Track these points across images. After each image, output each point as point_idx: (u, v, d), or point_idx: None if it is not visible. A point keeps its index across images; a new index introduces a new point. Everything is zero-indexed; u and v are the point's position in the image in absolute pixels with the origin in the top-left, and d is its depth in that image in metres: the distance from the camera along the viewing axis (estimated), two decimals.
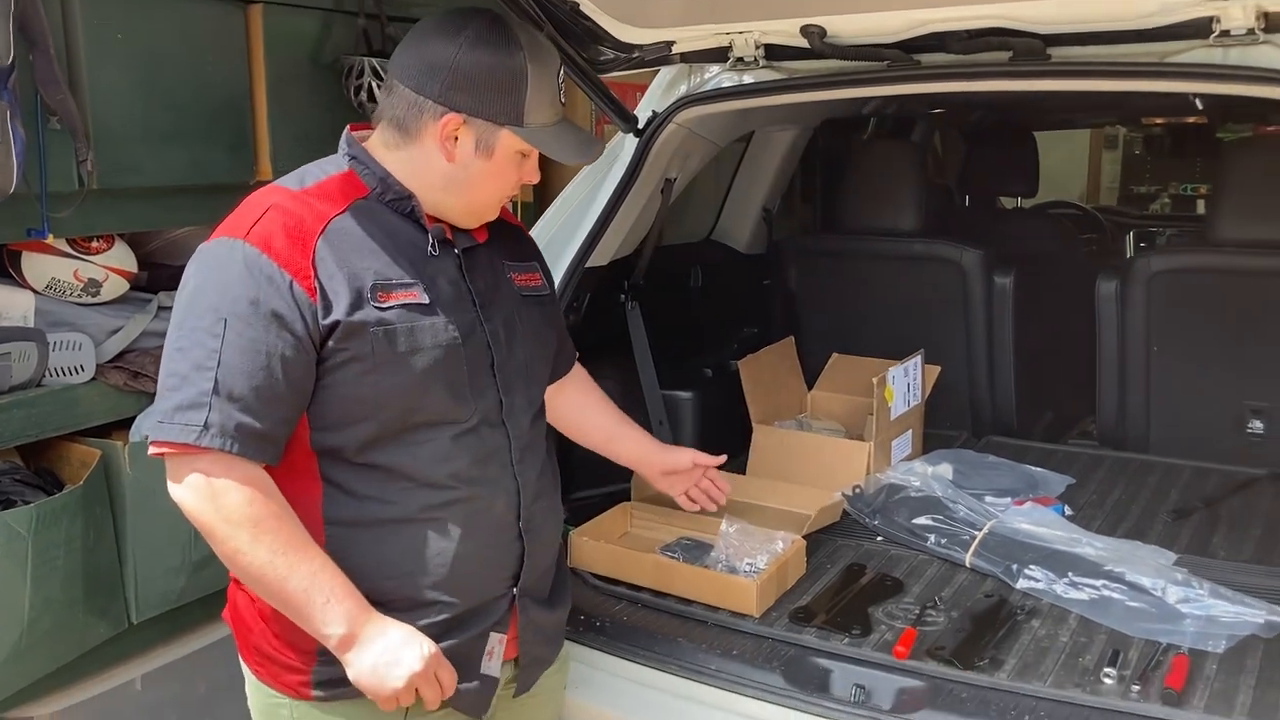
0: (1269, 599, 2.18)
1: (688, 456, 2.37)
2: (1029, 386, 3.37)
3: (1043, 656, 2.09)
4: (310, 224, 1.65)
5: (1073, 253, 4.13)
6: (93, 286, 2.93)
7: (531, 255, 2.03)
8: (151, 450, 1.62)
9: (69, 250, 2.85)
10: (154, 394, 3.02)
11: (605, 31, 2.39)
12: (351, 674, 1.64)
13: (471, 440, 1.75)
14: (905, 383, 2.88)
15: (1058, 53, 2.17)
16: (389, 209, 1.75)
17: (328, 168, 1.78)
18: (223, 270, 1.62)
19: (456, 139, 1.72)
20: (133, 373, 3.00)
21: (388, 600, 1.68)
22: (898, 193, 3.31)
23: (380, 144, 1.78)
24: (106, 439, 2.94)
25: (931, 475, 2.71)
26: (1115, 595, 2.24)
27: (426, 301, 1.71)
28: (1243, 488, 2.82)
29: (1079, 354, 3.49)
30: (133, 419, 3.03)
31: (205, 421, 1.56)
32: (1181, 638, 2.09)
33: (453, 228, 1.81)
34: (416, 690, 1.65)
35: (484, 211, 1.83)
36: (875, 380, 2.76)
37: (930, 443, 3.10)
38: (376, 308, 1.65)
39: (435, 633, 1.71)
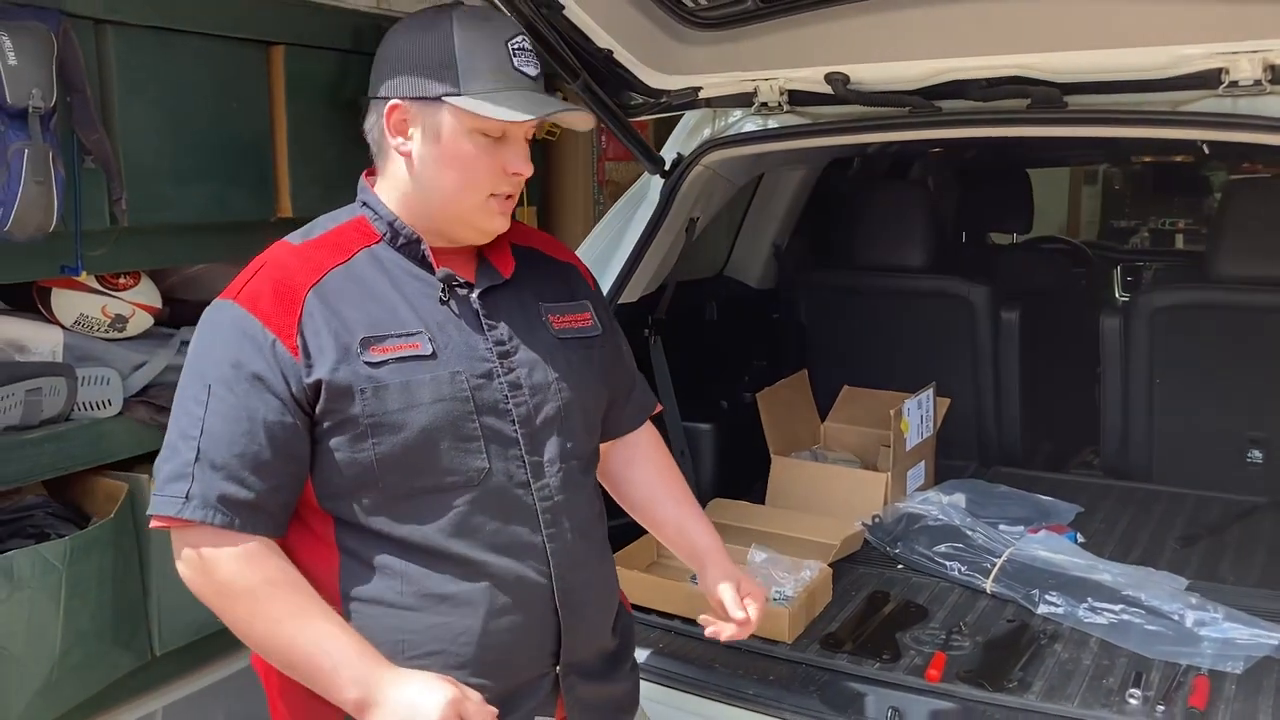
0: None
1: (728, 599, 1.86)
2: (1033, 418, 3.47)
3: (1068, 679, 2.18)
4: (302, 278, 1.58)
5: (1068, 287, 4.26)
6: (119, 322, 2.98)
7: (581, 294, 1.84)
8: (151, 525, 1.57)
9: (97, 287, 2.89)
10: None
11: (636, 78, 2.48)
12: None
13: (491, 504, 1.60)
14: (919, 414, 2.98)
15: (1074, 100, 2.28)
16: (401, 254, 1.65)
17: (341, 216, 1.70)
18: (211, 334, 1.57)
19: (406, 133, 1.61)
20: (158, 407, 3.04)
21: None
22: (906, 230, 3.42)
23: (379, 179, 1.69)
24: (129, 472, 2.99)
25: (948, 504, 2.79)
26: (1134, 619, 2.33)
27: (428, 352, 1.58)
28: (1245, 516, 2.94)
29: (1078, 386, 3.61)
30: (156, 453, 3.07)
31: (187, 493, 1.49)
32: (1200, 659, 2.19)
33: (478, 266, 1.69)
34: None
35: (477, 219, 1.65)
36: (892, 412, 2.86)
37: (940, 473, 3.19)
38: (366, 363, 1.54)
39: None
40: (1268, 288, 2.99)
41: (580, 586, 1.67)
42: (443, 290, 1.63)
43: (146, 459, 3.06)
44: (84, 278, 2.81)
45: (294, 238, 1.67)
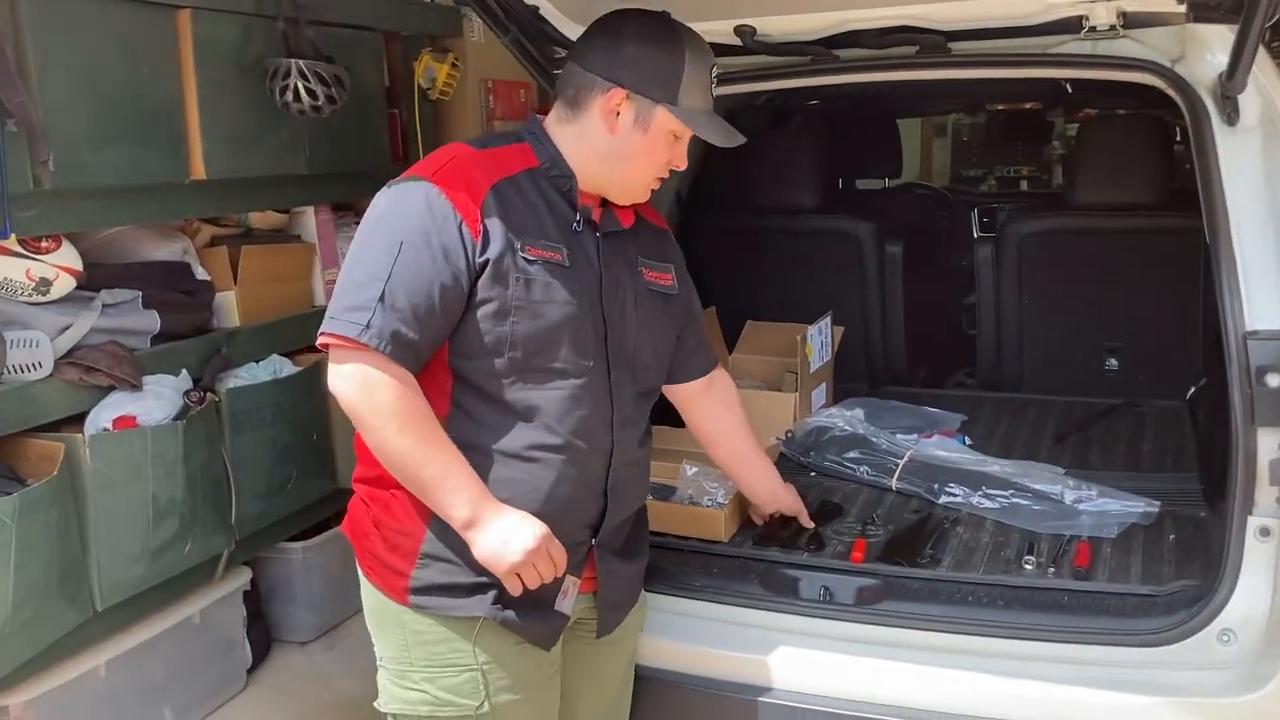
0: (1144, 495, 2.64)
1: (793, 506, 2.59)
2: (916, 342, 3.81)
3: (972, 553, 2.49)
4: (482, 178, 1.91)
5: (935, 227, 4.63)
6: (44, 285, 2.99)
7: (670, 257, 2.24)
8: (319, 340, 1.87)
9: (20, 250, 2.92)
10: (108, 388, 3.15)
11: (559, 32, 2.66)
12: (476, 552, 1.88)
13: (585, 399, 1.97)
14: (820, 340, 3.26)
15: (956, 46, 2.57)
16: (551, 184, 1.99)
17: (509, 139, 2.05)
18: (407, 201, 1.88)
19: (619, 113, 1.96)
20: (86, 368, 3.08)
21: None
22: (798, 174, 3.70)
23: (555, 119, 2.03)
24: (61, 433, 3.03)
25: (851, 417, 3.09)
26: (1022, 502, 2.67)
27: (566, 264, 1.95)
28: (1105, 415, 3.33)
29: (953, 314, 3.97)
30: (86, 414, 3.13)
31: (368, 322, 1.80)
32: (1081, 529, 2.53)
33: (602, 212, 2.05)
34: (535, 567, 1.89)
35: (635, 189, 2.06)
36: (798, 337, 3.13)
37: (837, 395, 3.48)
38: (523, 258, 1.90)
39: None
40: (1117, 213, 3.38)
41: (625, 482, 2.10)
42: (577, 222, 2.01)
43: (77, 420, 3.11)
44: (11, 241, 2.84)
45: (474, 144, 2.02)
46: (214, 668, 3.61)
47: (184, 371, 3.39)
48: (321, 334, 1.86)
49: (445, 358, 1.93)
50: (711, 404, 2.47)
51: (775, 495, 2.57)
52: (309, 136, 3.83)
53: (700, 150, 3.87)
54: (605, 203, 2.08)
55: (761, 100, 3.94)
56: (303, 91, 3.57)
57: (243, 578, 3.72)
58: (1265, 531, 2.08)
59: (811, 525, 2.57)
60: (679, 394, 2.44)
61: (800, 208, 3.70)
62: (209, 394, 3.42)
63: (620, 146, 1.99)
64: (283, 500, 3.75)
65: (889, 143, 4.72)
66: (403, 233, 1.85)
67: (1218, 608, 2.10)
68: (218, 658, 3.62)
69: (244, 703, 3.67)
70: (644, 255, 2.15)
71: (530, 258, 1.91)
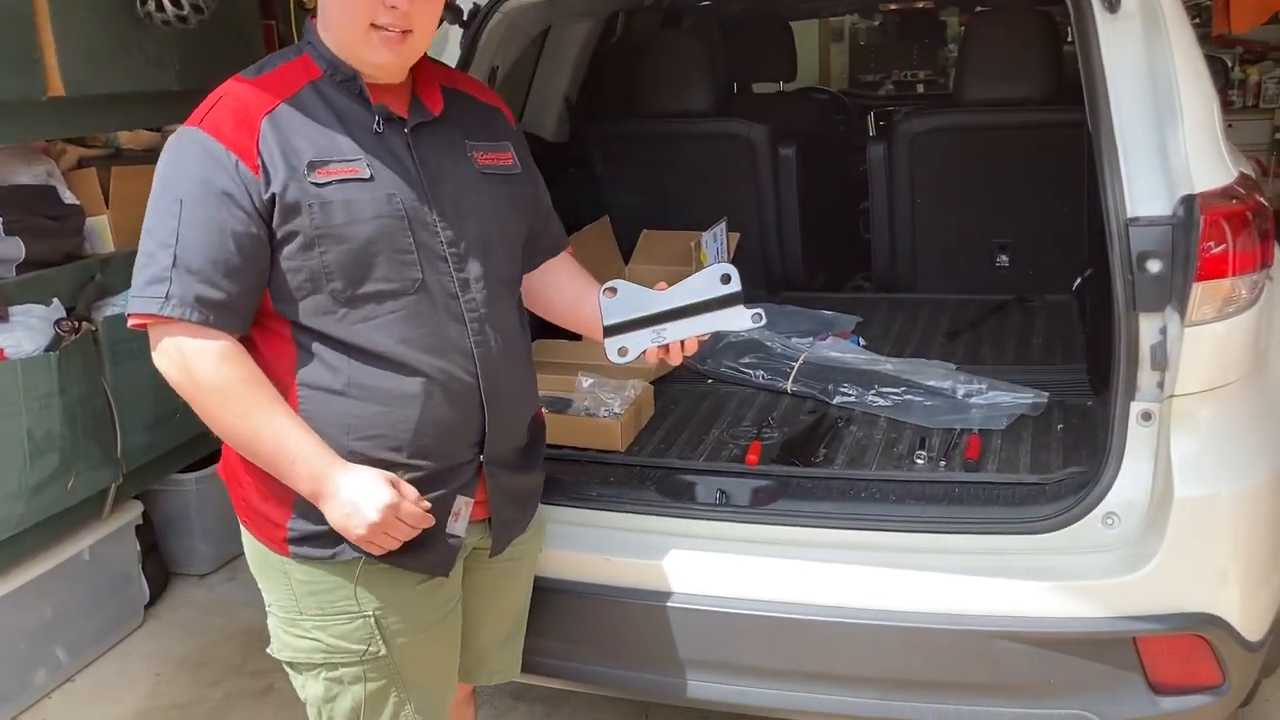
0: (1034, 387, 2.68)
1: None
2: (811, 247, 3.79)
3: (865, 451, 2.51)
4: (256, 107, 1.76)
5: (831, 132, 4.59)
6: None
7: (503, 135, 2.04)
8: (130, 323, 1.76)
9: None
10: None
11: None
12: (330, 523, 1.78)
13: (426, 313, 1.82)
14: (715, 246, 3.21)
15: None
16: (340, 90, 1.83)
17: (289, 54, 1.88)
18: (179, 155, 1.76)
19: None
20: None
21: (358, 462, 1.78)
22: (688, 77, 3.61)
23: (319, 20, 1.87)
24: None
25: None
26: (914, 398, 2.69)
27: (367, 176, 1.79)
28: (997, 310, 3.37)
29: (847, 219, 3.95)
30: None
31: (167, 293, 1.69)
32: (971, 422, 2.56)
33: (411, 103, 1.88)
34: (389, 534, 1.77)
35: (359, 48, 1.80)
36: (692, 244, 3.09)
37: None
38: (313, 183, 1.75)
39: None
40: (1005, 108, 3.37)
41: (503, 387, 1.92)
42: (377, 122, 1.83)
43: None
44: None
45: (248, 73, 1.84)
46: (109, 604, 3.52)
47: (55, 301, 3.25)
48: (130, 315, 1.75)
49: (270, 306, 1.80)
50: (561, 276, 2.17)
51: None
52: (178, 49, 3.65)
53: (588, 54, 3.80)
54: (414, 94, 1.91)
55: (651, 1, 3.85)
56: (166, 0, 3.40)
57: (134, 512, 3.62)
58: (1147, 416, 2.10)
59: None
60: (534, 278, 2.14)
61: (693, 111, 3.63)
62: (85, 323, 3.28)
63: (324, 5, 1.82)
64: (171, 431, 3.64)
65: (782, 45, 4.64)
66: (180, 189, 1.72)
67: (1102, 492, 2.12)
68: (112, 594, 3.53)
69: (142, 638, 3.60)
70: (472, 139, 1.96)
71: (320, 180, 1.76)
